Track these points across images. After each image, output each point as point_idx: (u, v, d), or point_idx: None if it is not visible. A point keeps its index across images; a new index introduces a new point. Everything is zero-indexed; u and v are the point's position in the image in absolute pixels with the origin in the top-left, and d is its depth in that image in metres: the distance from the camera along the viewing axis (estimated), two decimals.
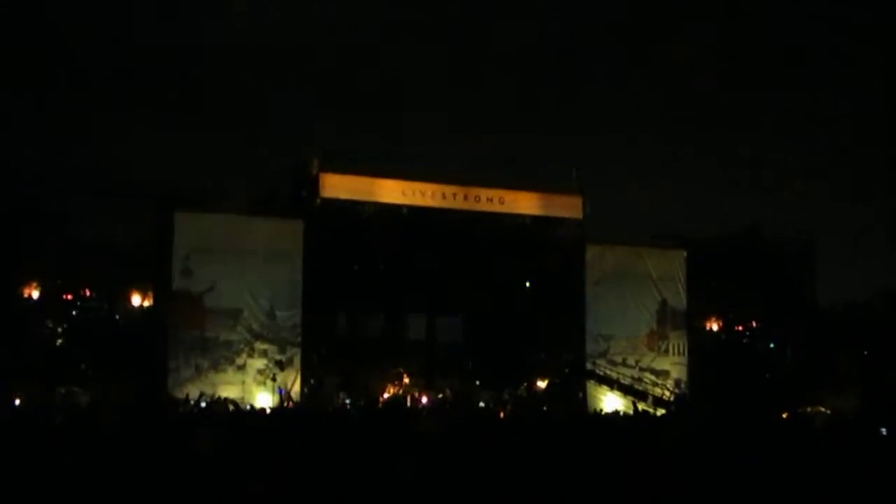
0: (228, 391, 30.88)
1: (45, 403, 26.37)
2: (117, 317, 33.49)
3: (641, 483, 10.46)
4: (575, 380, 35.31)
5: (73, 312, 33.13)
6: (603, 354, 35.98)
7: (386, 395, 33.05)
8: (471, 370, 35.32)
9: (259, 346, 32.36)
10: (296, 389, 32.14)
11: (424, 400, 32.86)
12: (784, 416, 28.28)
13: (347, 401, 31.50)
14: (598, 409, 33.09)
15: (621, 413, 30.69)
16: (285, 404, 30.94)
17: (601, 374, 35.28)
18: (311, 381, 32.59)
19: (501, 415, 29.40)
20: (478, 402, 32.21)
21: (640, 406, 31.94)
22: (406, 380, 33.89)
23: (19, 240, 32.60)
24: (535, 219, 36.05)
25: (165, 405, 27.52)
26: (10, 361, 29.30)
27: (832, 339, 39.30)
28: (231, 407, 28.17)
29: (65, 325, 32.67)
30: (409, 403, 31.86)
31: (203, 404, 28.92)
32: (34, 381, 28.86)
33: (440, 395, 33.31)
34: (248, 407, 29.77)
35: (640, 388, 35.00)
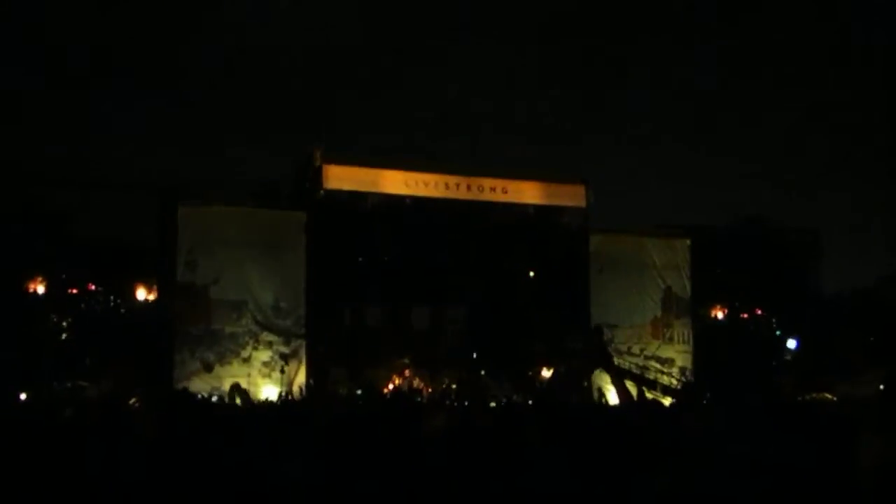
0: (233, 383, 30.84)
1: (52, 399, 26.35)
2: (123, 311, 33.47)
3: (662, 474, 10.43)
4: (588, 367, 35.22)
5: (79, 307, 33.09)
6: (608, 343, 35.90)
7: (391, 386, 33.05)
8: (476, 360, 35.25)
9: (264, 337, 32.40)
10: (300, 381, 32.16)
11: (430, 391, 32.85)
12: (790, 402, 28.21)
13: (358, 391, 31.50)
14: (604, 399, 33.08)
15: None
16: (290, 396, 30.95)
17: (615, 363, 35.16)
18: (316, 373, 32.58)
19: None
20: (485, 393, 32.11)
21: (651, 395, 31.83)
22: (410, 371, 33.89)
23: (24, 235, 32.57)
24: (539, 208, 36.04)
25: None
26: (16, 356, 29.31)
27: (838, 326, 39.23)
28: (238, 400, 28.16)
29: (70, 320, 32.65)
30: (411, 392, 31.81)
31: (214, 398, 28.93)
32: (40, 376, 28.88)
33: (444, 386, 33.31)
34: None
35: (653, 377, 34.96)
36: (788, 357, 38.85)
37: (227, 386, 30.47)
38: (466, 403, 27.83)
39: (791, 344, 38.21)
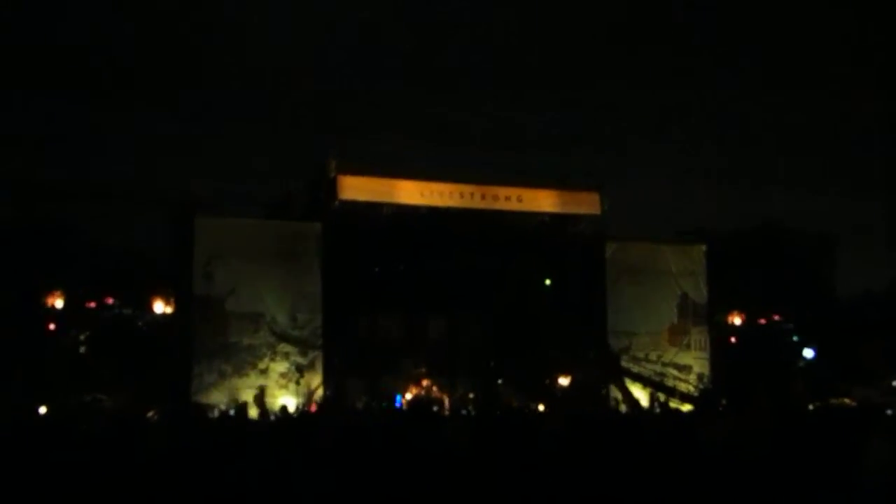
0: (251, 396, 30.94)
1: (69, 411, 26.46)
2: (140, 323, 33.58)
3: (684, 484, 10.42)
4: (602, 376, 35.18)
5: (97, 320, 33.22)
6: (625, 351, 35.83)
7: (408, 396, 33.06)
8: (493, 369, 35.20)
9: (281, 349, 32.41)
10: (318, 393, 32.21)
11: (447, 400, 32.83)
12: (811, 407, 28.13)
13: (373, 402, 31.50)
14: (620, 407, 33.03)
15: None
16: (308, 408, 31.01)
17: (635, 371, 35.11)
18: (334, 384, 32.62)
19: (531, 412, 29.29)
20: (503, 401, 32.07)
21: (672, 403, 31.73)
22: (427, 380, 33.89)
23: (41, 249, 32.78)
24: (554, 216, 35.97)
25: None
26: (34, 370, 29.47)
27: (856, 330, 39.03)
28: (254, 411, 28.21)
29: (88, 333, 32.77)
30: (429, 402, 31.81)
31: (231, 412, 28.99)
32: (59, 390, 29.01)
33: (460, 395, 33.29)
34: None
35: (671, 384, 34.87)
36: (802, 364, 38.57)
37: (244, 397, 30.56)
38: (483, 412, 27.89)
39: (808, 353, 37.87)
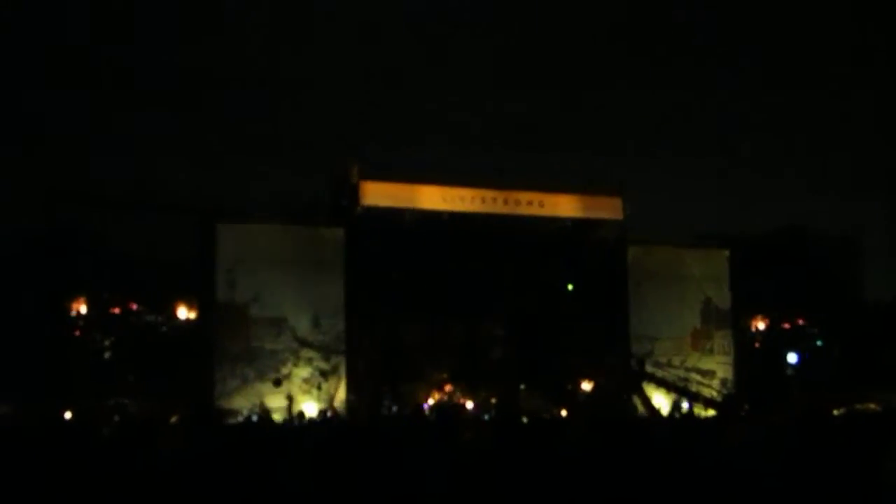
0: (274, 401, 31.08)
1: (94, 416, 26.69)
2: (164, 329, 33.77)
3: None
4: (626, 381, 35.08)
5: (121, 326, 33.44)
6: (648, 355, 35.72)
7: (431, 402, 33.08)
8: (515, 374, 35.17)
9: (304, 354, 32.51)
10: (340, 398, 32.29)
11: (470, 405, 32.84)
12: (836, 413, 27.90)
13: (394, 408, 31.58)
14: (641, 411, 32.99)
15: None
16: (329, 414, 31.11)
17: (660, 376, 34.97)
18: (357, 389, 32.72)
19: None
20: (525, 407, 32.04)
21: (696, 409, 31.60)
22: (449, 385, 33.92)
23: (67, 256, 33.03)
24: (576, 221, 35.93)
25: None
26: (60, 375, 29.72)
27: (881, 334, 38.70)
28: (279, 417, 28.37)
29: (113, 339, 33.00)
30: (452, 407, 31.86)
31: (254, 418, 29.17)
32: (84, 394, 29.25)
33: (483, 400, 33.28)
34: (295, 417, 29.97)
35: (694, 389, 34.69)
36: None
37: (268, 402, 30.75)
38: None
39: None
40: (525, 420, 25.25)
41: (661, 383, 34.94)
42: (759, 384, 34.01)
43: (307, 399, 31.88)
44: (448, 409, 31.13)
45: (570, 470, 11.81)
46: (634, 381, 33.84)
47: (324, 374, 32.48)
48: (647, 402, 31.13)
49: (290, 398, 31.13)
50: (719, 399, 34.49)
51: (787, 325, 39.92)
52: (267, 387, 31.58)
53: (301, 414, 29.97)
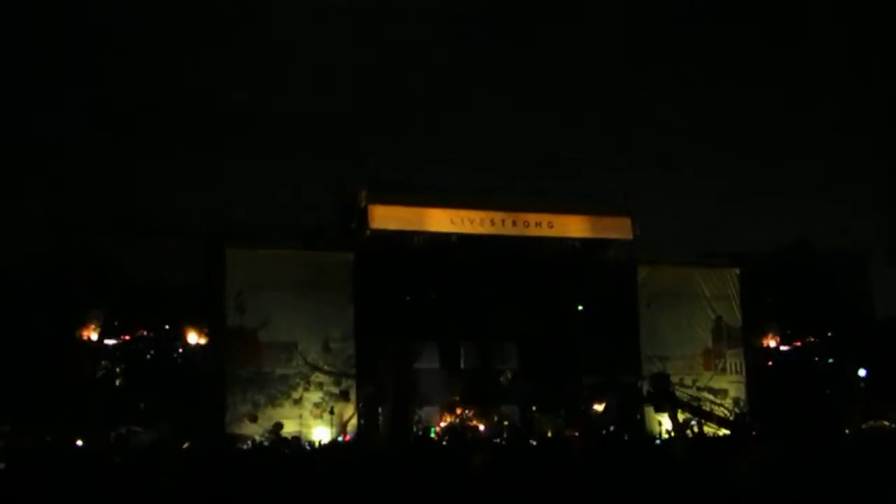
0: (286, 426, 30.96)
1: (105, 444, 26.61)
2: (174, 355, 33.75)
3: None
4: (635, 402, 34.90)
5: (132, 352, 33.43)
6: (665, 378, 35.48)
7: (443, 425, 32.96)
8: (527, 396, 35.05)
9: (315, 378, 32.44)
10: (352, 423, 32.18)
11: (482, 428, 32.70)
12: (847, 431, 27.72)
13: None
14: (655, 432, 32.81)
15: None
16: (341, 438, 31.00)
17: (683, 398, 34.68)
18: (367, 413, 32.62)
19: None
20: (539, 429, 31.89)
21: (708, 429, 31.34)
22: (461, 408, 33.78)
23: (76, 283, 33.07)
24: (585, 241, 35.88)
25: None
26: (71, 403, 29.67)
27: (893, 351, 38.49)
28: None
29: (123, 366, 32.99)
30: (464, 430, 31.73)
31: (266, 443, 28.99)
32: (94, 422, 29.17)
33: (495, 423, 33.13)
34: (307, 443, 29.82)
35: (707, 409, 34.46)
36: (844, 385, 37.97)
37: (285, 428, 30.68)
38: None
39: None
40: (535, 443, 25.06)
41: (680, 403, 34.70)
42: (774, 402, 33.76)
43: (319, 424, 31.77)
44: (459, 433, 30.97)
45: (584, 491, 11.73)
46: (662, 399, 33.51)
47: (335, 398, 32.37)
48: (675, 420, 30.84)
49: (279, 425, 30.80)
50: (732, 419, 34.25)
51: (798, 343, 39.78)
52: (278, 412, 31.51)
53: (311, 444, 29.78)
